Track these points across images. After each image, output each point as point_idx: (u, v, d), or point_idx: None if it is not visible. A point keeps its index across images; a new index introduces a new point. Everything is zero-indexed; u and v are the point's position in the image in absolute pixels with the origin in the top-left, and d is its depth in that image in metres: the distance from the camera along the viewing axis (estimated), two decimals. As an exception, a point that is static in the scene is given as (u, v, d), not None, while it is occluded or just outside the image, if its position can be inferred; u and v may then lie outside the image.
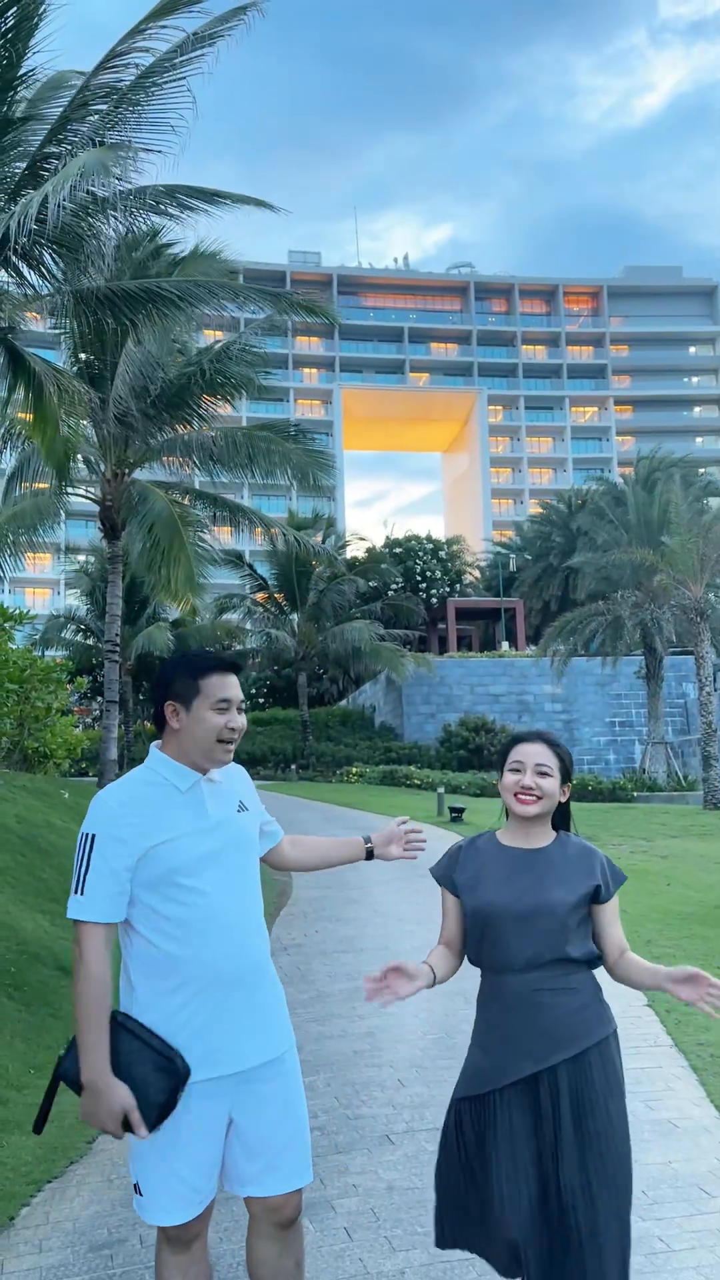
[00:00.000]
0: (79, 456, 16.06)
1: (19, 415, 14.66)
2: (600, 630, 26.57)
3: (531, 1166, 2.15)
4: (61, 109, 10.55)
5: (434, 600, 42.77)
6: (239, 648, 35.94)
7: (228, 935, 2.16)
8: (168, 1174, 2.12)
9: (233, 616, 35.87)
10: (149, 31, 9.85)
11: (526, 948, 2.22)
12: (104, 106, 9.86)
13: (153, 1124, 2.08)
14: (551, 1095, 2.17)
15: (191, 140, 9.76)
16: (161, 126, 9.32)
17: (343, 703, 40.12)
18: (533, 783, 2.31)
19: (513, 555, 47.87)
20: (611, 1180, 2.12)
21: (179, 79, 9.05)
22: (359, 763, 30.76)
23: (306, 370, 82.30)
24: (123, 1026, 2.13)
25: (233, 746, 2.25)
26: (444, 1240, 2.30)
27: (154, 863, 2.13)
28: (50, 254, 8.72)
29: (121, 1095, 2.07)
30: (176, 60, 9.14)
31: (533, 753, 2.35)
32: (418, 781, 25.72)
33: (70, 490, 16.96)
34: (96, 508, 17.93)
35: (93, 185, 7.62)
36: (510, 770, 2.36)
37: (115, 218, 8.66)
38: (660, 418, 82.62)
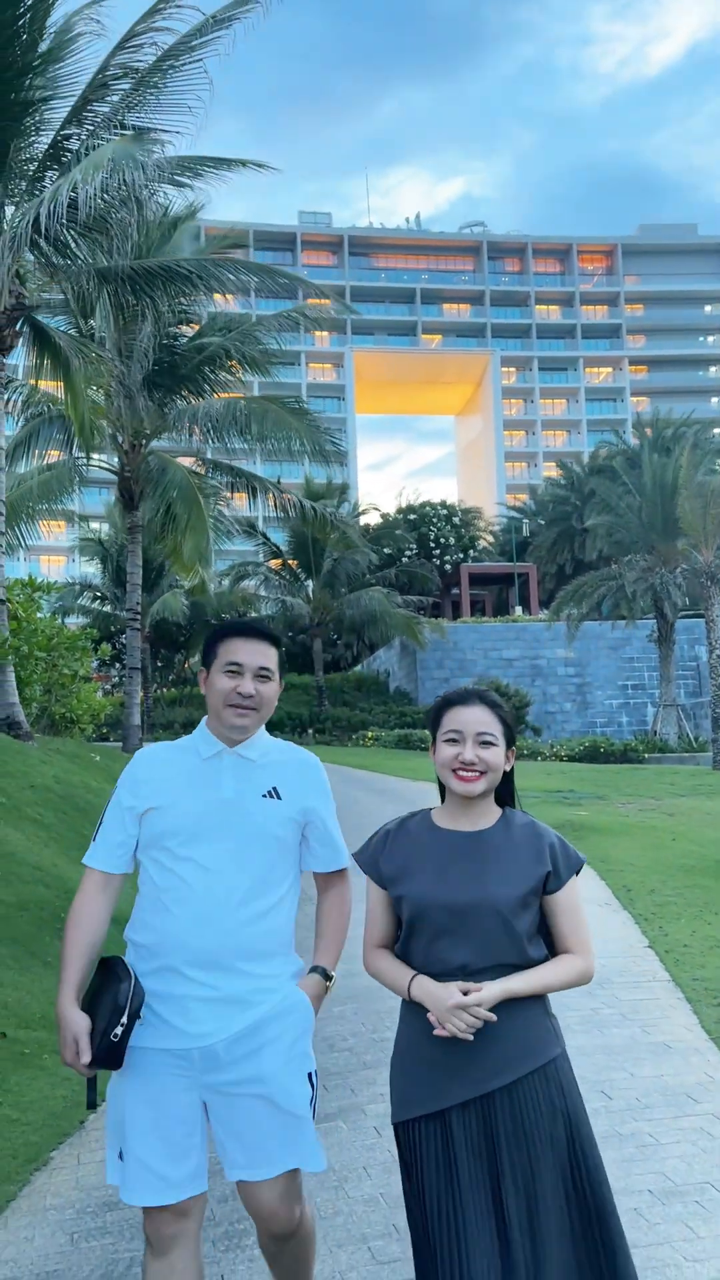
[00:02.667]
0: (101, 425, 16.38)
1: (34, 383, 14.95)
2: (611, 594, 26.82)
3: (470, 1209, 1.86)
4: (79, 89, 10.76)
5: (448, 566, 43.02)
6: (254, 614, 36.39)
7: (205, 913, 2.06)
8: (127, 1145, 2.06)
9: (249, 583, 36.25)
10: (165, 11, 10.04)
11: (461, 951, 1.92)
12: (124, 87, 10.08)
13: (98, 1052, 2.00)
14: (486, 1127, 1.89)
15: (203, 106, 9.94)
16: (179, 108, 9.55)
17: (357, 668, 40.57)
18: (474, 756, 1.98)
19: (526, 520, 47.93)
20: (560, 1227, 1.88)
21: (196, 61, 9.25)
22: (374, 727, 31.27)
23: (318, 333, 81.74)
24: (107, 966, 2.10)
25: (246, 714, 2.13)
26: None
27: (151, 822, 2.11)
28: (75, 236, 8.99)
29: (76, 1022, 2.03)
30: (193, 43, 9.34)
31: (472, 720, 2.01)
32: (432, 744, 26.24)
33: (90, 460, 17.33)
34: (110, 475, 18.29)
35: (124, 178, 7.88)
36: (446, 740, 2.02)
37: (140, 201, 8.91)
38: (675, 378, 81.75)
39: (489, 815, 2.05)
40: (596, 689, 34.42)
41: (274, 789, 2.17)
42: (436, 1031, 1.90)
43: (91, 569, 39.01)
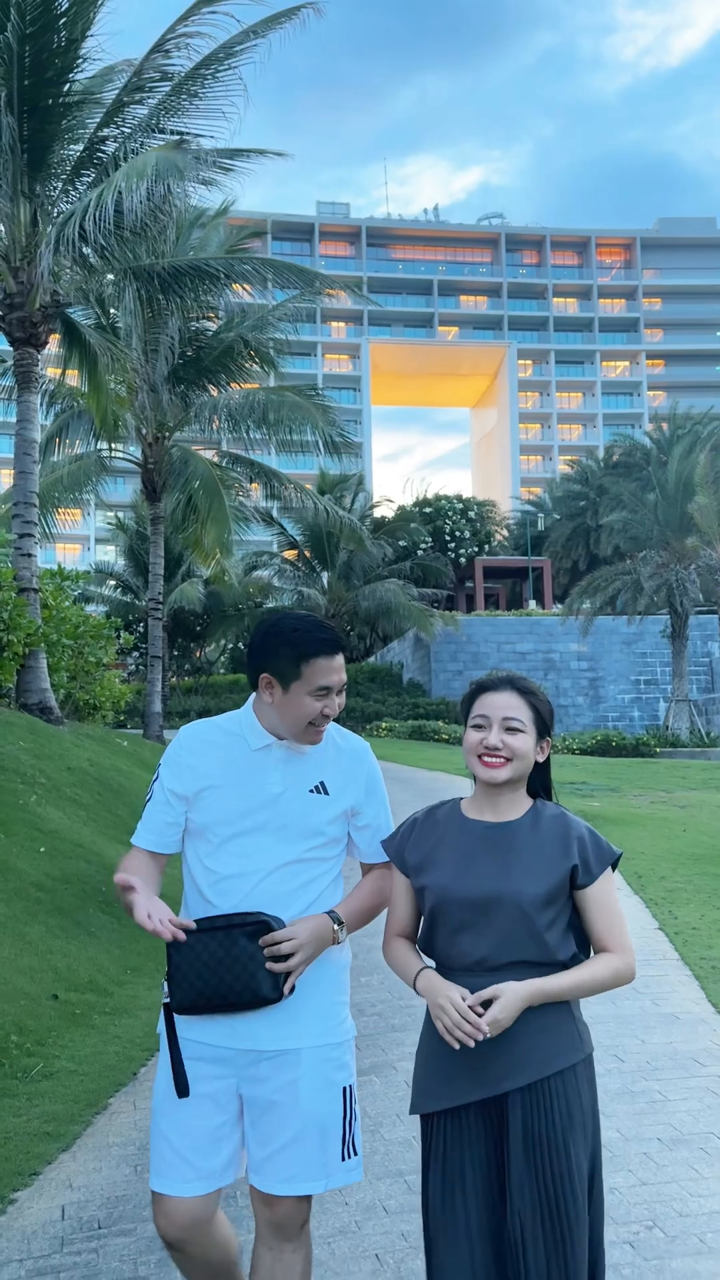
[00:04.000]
0: (125, 419, 16.71)
1: (58, 373, 15.26)
2: (625, 590, 27.03)
3: (477, 1210, 1.84)
4: (115, 92, 11.04)
5: (462, 559, 43.22)
6: (270, 605, 36.73)
7: (243, 905, 2.00)
8: (160, 1130, 2.04)
9: (264, 573, 36.59)
10: (197, 17, 10.30)
11: (480, 945, 1.87)
12: (160, 90, 10.35)
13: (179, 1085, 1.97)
14: (499, 1129, 1.85)
15: (237, 112, 10.25)
16: (214, 113, 9.84)
17: (370, 659, 40.87)
18: (499, 741, 1.93)
19: (541, 515, 48.06)
20: (566, 1234, 1.80)
21: (232, 70, 9.52)
22: (388, 718, 31.59)
23: (334, 324, 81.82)
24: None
25: (324, 727, 2.07)
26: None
27: (199, 811, 2.06)
28: (114, 239, 9.29)
29: (153, 905, 1.95)
30: (231, 51, 9.61)
31: (500, 704, 1.96)
32: (445, 737, 26.52)
33: (113, 452, 17.66)
34: (130, 465, 18.62)
35: (168, 187, 8.16)
36: (473, 726, 1.98)
37: (175, 206, 9.19)
38: (692, 372, 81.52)
39: (518, 806, 1.98)
40: (609, 683, 34.62)
41: (321, 784, 2.08)
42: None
43: (107, 556, 39.39)
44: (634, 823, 10.65)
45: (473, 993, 1.83)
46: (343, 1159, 2.02)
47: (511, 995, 1.80)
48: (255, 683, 2.08)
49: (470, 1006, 1.80)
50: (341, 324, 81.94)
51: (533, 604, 41.45)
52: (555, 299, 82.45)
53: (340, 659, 2.06)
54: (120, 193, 8.10)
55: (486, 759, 1.94)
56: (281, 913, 2.00)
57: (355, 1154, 2.04)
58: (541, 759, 2.00)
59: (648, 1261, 2.72)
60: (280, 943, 1.93)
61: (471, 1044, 1.78)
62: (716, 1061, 4.17)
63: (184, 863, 2.13)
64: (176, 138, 9.84)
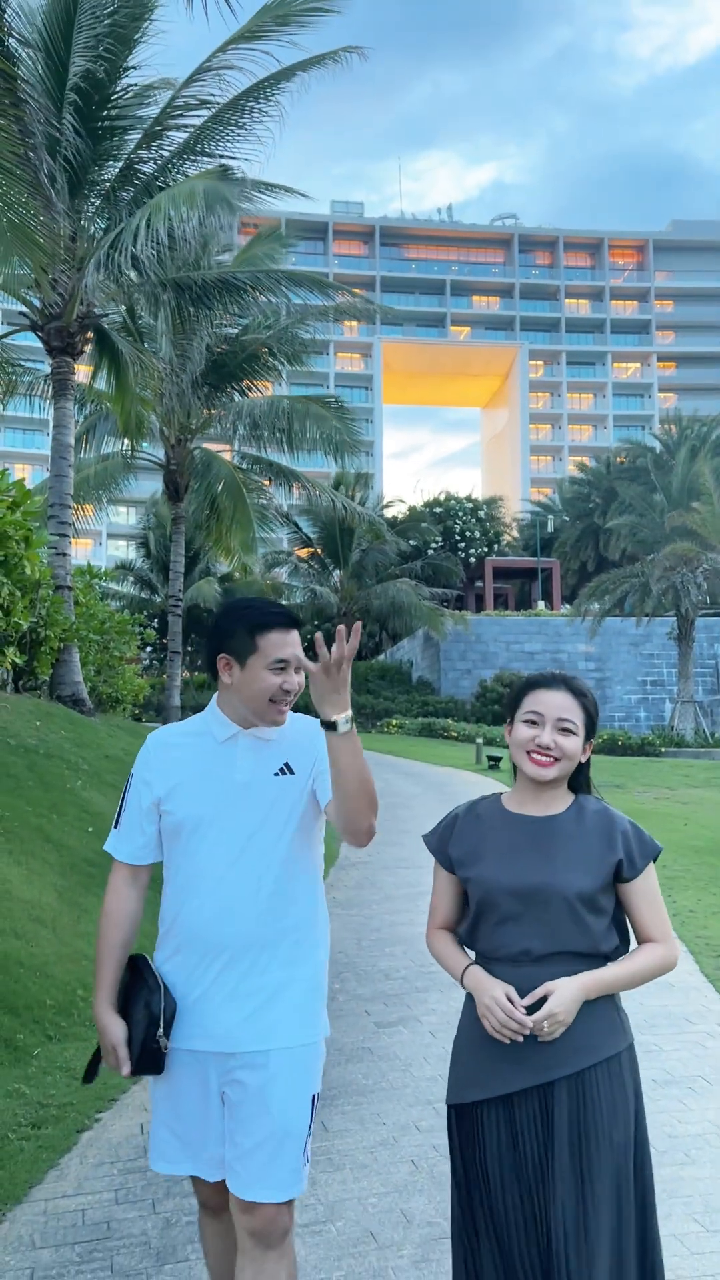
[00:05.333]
0: (150, 421, 17.25)
1: (85, 370, 15.81)
2: (631, 592, 27.50)
3: (518, 1199, 1.85)
4: (152, 111, 11.57)
5: (472, 559, 43.70)
6: (284, 602, 37.32)
7: (221, 899, 2.02)
8: (157, 1119, 2.10)
9: (278, 571, 37.13)
10: (234, 49, 10.82)
11: (525, 937, 1.90)
12: (198, 116, 10.87)
13: (135, 1061, 2.02)
14: (544, 1118, 1.85)
15: (272, 137, 10.80)
16: (251, 138, 10.37)
17: (380, 657, 41.39)
18: (551, 741, 1.94)
19: (550, 516, 48.50)
20: (611, 1223, 1.82)
21: (273, 102, 10.03)
22: (398, 715, 32.11)
23: (347, 323, 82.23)
24: (135, 966, 2.11)
25: (287, 707, 2.08)
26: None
27: (170, 811, 2.07)
28: (154, 258, 9.81)
29: (113, 1030, 2.05)
30: (274, 87, 10.11)
31: (555, 704, 1.97)
32: (455, 734, 27.04)
33: (135, 453, 18.21)
34: (152, 464, 19.16)
35: (219, 220, 8.67)
36: (525, 722, 1.98)
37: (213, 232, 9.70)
38: (704, 375, 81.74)
39: (561, 800, 2.00)
40: (616, 684, 35.06)
41: (285, 765, 2.10)
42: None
43: (118, 551, 39.93)
44: (638, 817, 11.15)
45: (517, 984, 1.87)
46: (302, 1165, 2.02)
47: (565, 991, 1.83)
48: (215, 669, 2.11)
49: (516, 1003, 1.84)
50: (354, 323, 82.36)
51: (541, 604, 41.91)
52: (567, 300, 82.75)
53: (295, 635, 2.08)
54: (171, 218, 8.62)
55: (536, 757, 1.94)
56: (265, 912, 2.02)
57: (308, 1162, 2.05)
58: (585, 759, 2.02)
59: (640, 1168, 3.25)
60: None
61: (520, 1039, 1.83)
62: (705, 1021, 4.69)
63: (164, 867, 2.14)
64: (217, 163, 10.38)
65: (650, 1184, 1.92)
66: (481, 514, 44.43)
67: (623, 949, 1.96)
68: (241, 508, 16.90)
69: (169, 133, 11.07)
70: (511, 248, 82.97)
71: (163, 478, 18.82)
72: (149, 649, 36.18)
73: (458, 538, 43.41)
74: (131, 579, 35.95)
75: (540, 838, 1.95)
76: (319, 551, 36.18)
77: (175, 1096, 2.06)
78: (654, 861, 1.97)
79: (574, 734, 1.96)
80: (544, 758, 1.95)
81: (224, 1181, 2.06)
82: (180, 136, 11.03)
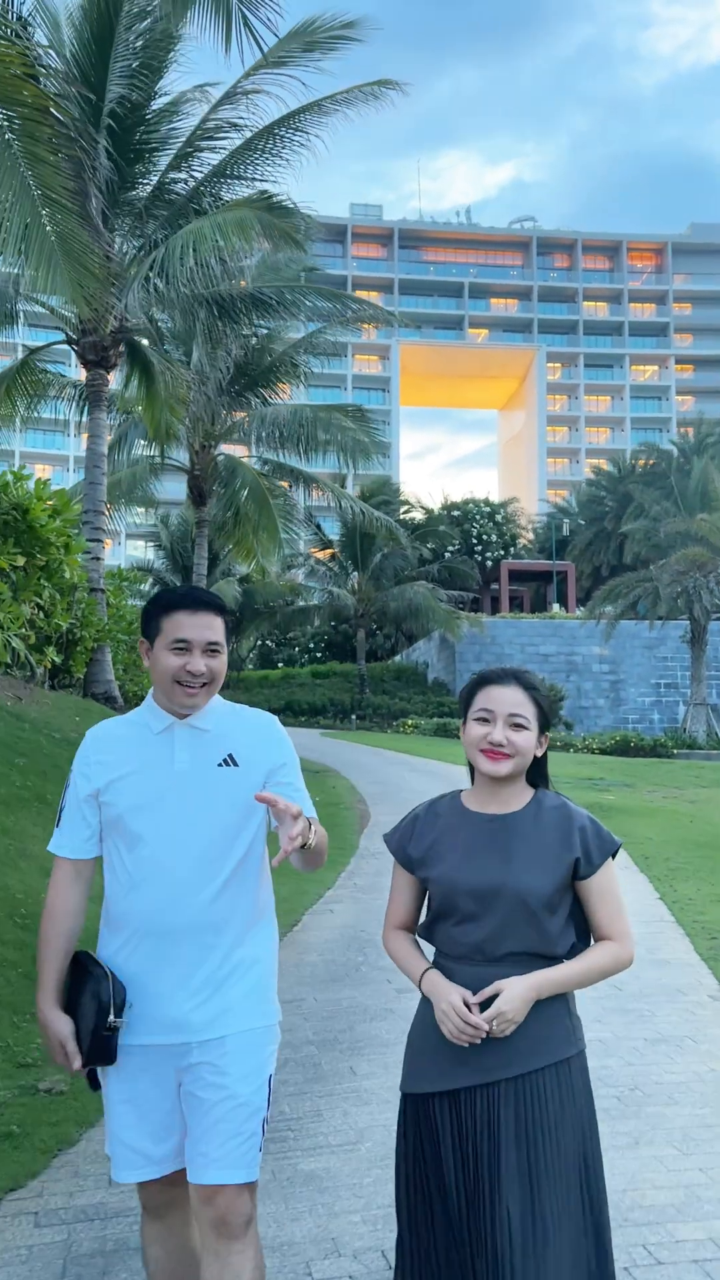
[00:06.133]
0: (177, 428, 17.85)
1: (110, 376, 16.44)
2: (644, 596, 27.88)
3: (465, 1188, 1.84)
4: (183, 136, 12.12)
5: (488, 562, 44.12)
6: (302, 604, 37.84)
7: (166, 888, 2.00)
8: (110, 1130, 2.07)
9: (296, 572, 37.69)
10: (259, 75, 11.35)
11: (481, 936, 1.89)
12: (229, 139, 11.43)
13: (85, 1053, 2.00)
14: (489, 1118, 1.84)
15: (302, 162, 11.36)
16: (281, 161, 10.91)
17: (396, 658, 41.88)
18: (503, 738, 1.92)
19: (566, 520, 48.84)
20: (553, 1226, 1.80)
21: (303, 131, 10.57)
22: (413, 716, 32.58)
23: (365, 325, 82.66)
24: (77, 961, 2.09)
25: (195, 692, 2.02)
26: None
27: (110, 803, 2.05)
28: (196, 278, 10.36)
29: (58, 1025, 2.03)
30: (300, 115, 10.65)
31: (505, 699, 1.95)
32: (469, 734, 27.47)
33: (163, 459, 18.80)
34: (176, 468, 19.74)
35: (270, 257, 9.18)
36: (476, 720, 1.96)
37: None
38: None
39: (520, 797, 1.99)
40: (630, 686, 35.40)
41: (229, 756, 2.07)
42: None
43: (136, 552, 40.56)
44: (645, 814, 11.59)
45: (473, 983, 1.87)
46: (259, 1149, 2.03)
47: (516, 990, 1.83)
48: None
49: (471, 1005, 1.84)
50: (372, 325, 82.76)
51: (556, 607, 42.28)
52: (585, 303, 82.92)
53: (206, 618, 2.02)
54: (221, 246, 9.19)
55: (490, 754, 1.93)
56: (210, 899, 2.01)
57: (261, 1149, 2.05)
58: (540, 753, 2.01)
59: (628, 1107, 3.74)
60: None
61: (477, 1042, 1.84)
62: (696, 993, 5.16)
63: (104, 859, 2.12)
64: (251, 186, 10.94)
65: (602, 1195, 1.88)
66: (498, 517, 44.84)
67: (580, 946, 1.95)
68: (266, 512, 17.45)
69: (200, 154, 11.61)
70: (530, 250, 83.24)
71: (187, 483, 19.41)
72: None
73: (474, 541, 43.85)
74: (150, 580, 36.64)
75: (498, 836, 1.94)
76: (337, 554, 36.72)
77: (134, 1095, 2.03)
78: (613, 858, 1.95)
79: (526, 729, 1.95)
80: (497, 754, 1.93)
81: (171, 1177, 2.04)
82: (212, 158, 11.59)
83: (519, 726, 1.94)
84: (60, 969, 2.10)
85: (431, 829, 2.02)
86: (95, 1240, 2.88)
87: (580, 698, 34.51)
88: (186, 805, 2.03)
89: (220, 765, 2.06)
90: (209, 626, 2.04)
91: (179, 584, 37.68)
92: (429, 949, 2.05)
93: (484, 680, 2.00)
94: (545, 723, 1.99)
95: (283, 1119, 3.63)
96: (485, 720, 1.95)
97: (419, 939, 2.06)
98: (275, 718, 2.19)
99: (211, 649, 2.04)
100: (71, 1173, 3.30)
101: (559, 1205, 1.81)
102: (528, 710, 1.95)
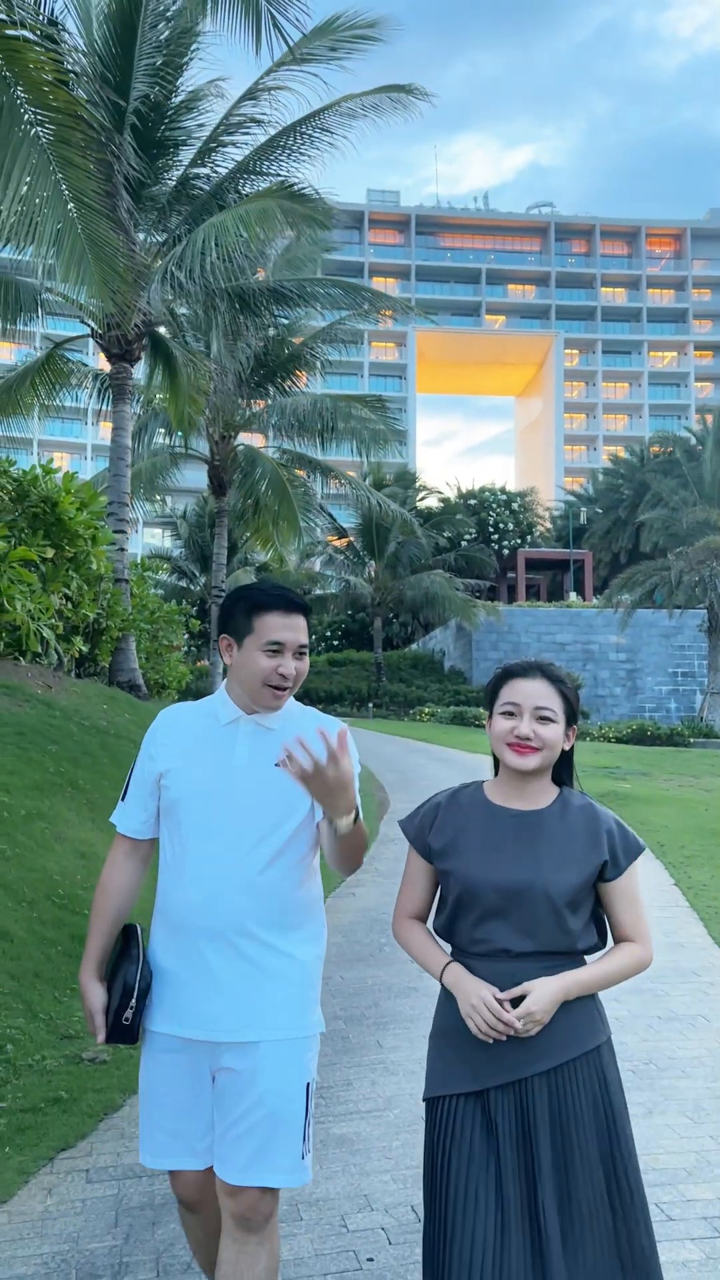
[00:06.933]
0: (198, 420, 18.03)
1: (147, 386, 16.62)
2: (661, 585, 27.91)
3: (493, 1198, 1.81)
4: (206, 130, 12.25)
5: (505, 551, 44.15)
6: (318, 592, 38.04)
7: (206, 885, 1.99)
8: (148, 1113, 2.08)
9: (313, 561, 37.86)
10: (280, 71, 11.46)
11: (507, 934, 1.87)
12: (253, 135, 11.56)
13: (110, 1031, 2.04)
14: (519, 1113, 1.85)
15: (324, 160, 11.50)
16: (304, 158, 11.04)
17: (413, 646, 42.05)
18: (530, 731, 1.91)
19: (583, 508, 48.77)
20: (591, 1218, 1.82)
21: (326, 131, 10.69)
22: (430, 704, 32.77)
23: (381, 312, 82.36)
24: (127, 934, 2.11)
25: (284, 693, 2.04)
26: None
27: (168, 786, 2.06)
28: (219, 272, 10.52)
29: (92, 997, 2.07)
30: (323, 113, 10.77)
31: (531, 692, 1.93)
32: (485, 723, 27.67)
33: (187, 450, 19.01)
34: (195, 458, 19.94)
35: (297, 251, 9.31)
36: (502, 714, 1.95)
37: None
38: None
39: (546, 794, 1.97)
40: (647, 675, 35.43)
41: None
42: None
43: (153, 539, 40.82)
44: (661, 802, 11.74)
45: (495, 980, 1.86)
46: (301, 1156, 2.01)
47: (545, 991, 1.82)
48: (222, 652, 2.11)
49: (502, 1002, 1.83)
50: (388, 312, 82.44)
51: (573, 595, 42.29)
52: (603, 289, 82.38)
53: (298, 620, 2.04)
54: (244, 236, 9.34)
55: (517, 748, 1.91)
56: (255, 897, 2.00)
57: (309, 1152, 2.04)
58: (568, 747, 2.00)
59: (643, 1080, 3.93)
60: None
61: (504, 1039, 1.83)
62: (710, 974, 5.34)
63: (159, 844, 2.14)
64: (274, 181, 11.07)
65: (641, 1187, 1.88)
66: (515, 506, 44.85)
67: (599, 946, 1.96)
68: (286, 502, 17.63)
69: (223, 149, 11.75)
70: (548, 236, 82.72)
71: (207, 473, 19.60)
72: (188, 636, 37.19)
73: (491, 530, 43.88)
74: (168, 568, 36.96)
75: (525, 834, 1.92)
76: (354, 542, 36.88)
77: (166, 1084, 2.04)
78: (635, 861, 1.95)
79: (553, 722, 1.93)
80: (524, 748, 1.91)
81: (204, 1174, 2.05)
82: (235, 154, 11.72)
83: (546, 720, 1.92)
84: (104, 943, 2.13)
85: (454, 820, 1.98)
86: (144, 1195, 3.10)
87: (597, 686, 34.59)
88: (240, 803, 2.02)
89: (278, 765, 2.00)
90: (301, 629, 2.06)
91: (196, 572, 37.67)
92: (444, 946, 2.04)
93: (509, 674, 1.98)
94: (572, 715, 1.97)
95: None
96: (511, 714, 1.93)
97: (439, 937, 2.03)
98: (346, 727, 2.09)
99: (301, 651, 2.06)
100: (118, 1135, 3.52)
101: (594, 1192, 1.83)
102: (554, 703, 1.93)
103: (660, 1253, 2.68)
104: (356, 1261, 2.70)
